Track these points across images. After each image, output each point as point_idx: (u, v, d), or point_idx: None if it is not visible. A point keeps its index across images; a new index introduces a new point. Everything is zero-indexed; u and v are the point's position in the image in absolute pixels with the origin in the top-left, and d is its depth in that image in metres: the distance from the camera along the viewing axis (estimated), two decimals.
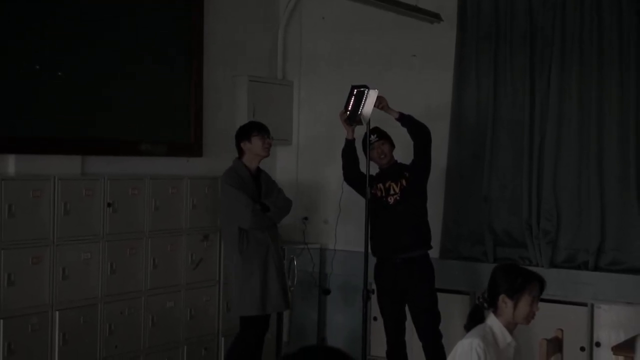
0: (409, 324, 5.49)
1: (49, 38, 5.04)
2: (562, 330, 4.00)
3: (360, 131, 5.37)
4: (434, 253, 5.92)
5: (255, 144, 5.41)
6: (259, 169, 5.51)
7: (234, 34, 6.47)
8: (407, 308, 5.47)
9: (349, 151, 5.42)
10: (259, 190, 5.44)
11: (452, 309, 5.85)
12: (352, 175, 5.43)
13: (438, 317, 5.38)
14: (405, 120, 5.35)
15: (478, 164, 6.12)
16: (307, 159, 6.92)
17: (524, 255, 5.96)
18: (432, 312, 5.34)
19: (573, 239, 5.84)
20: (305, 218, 6.82)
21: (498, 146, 6.07)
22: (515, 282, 3.31)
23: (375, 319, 6.15)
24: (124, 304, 5.16)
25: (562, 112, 5.81)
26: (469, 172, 6.17)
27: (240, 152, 5.45)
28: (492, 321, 3.33)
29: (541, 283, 3.36)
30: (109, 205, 5.05)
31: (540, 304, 5.67)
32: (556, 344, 3.92)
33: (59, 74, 5.08)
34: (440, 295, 5.59)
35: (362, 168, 5.33)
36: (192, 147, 6.08)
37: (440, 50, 6.28)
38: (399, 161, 5.55)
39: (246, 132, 5.47)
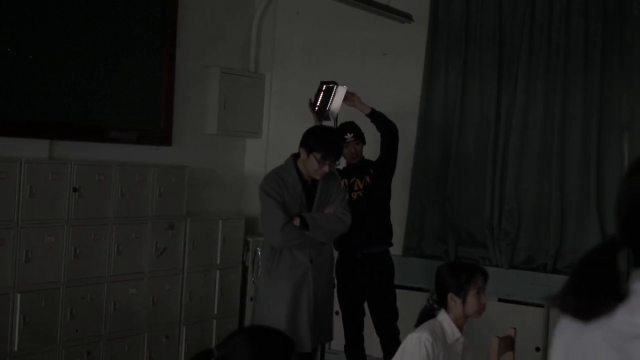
0: (368, 320, 5.57)
1: (19, 21, 5.06)
2: (515, 329, 4.09)
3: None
4: (396, 250, 6.01)
5: (310, 163, 4.67)
6: None
7: (207, 25, 6.50)
8: (366, 304, 5.56)
9: None
10: (309, 200, 4.74)
11: (412, 306, 5.85)
12: None
13: (396, 314, 5.46)
14: (375, 116, 5.43)
15: (444, 163, 6.21)
16: (277, 153, 6.93)
17: (485, 255, 6.06)
18: (390, 309, 5.43)
19: (533, 240, 5.95)
20: None
21: (464, 147, 6.17)
22: (460, 278, 3.40)
23: (337, 313, 6.22)
24: (87, 289, 5.17)
25: (527, 115, 5.92)
26: (434, 172, 6.26)
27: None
28: (442, 317, 3.42)
29: (484, 275, 3.46)
30: (75, 190, 5.07)
31: (498, 304, 5.80)
32: (509, 343, 4.01)
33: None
34: (401, 292, 5.68)
35: None
36: (162, 136, 6.11)
37: (411, 50, 6.37)
38: (365, 157, 5.63)
39: (314, 143, 4.66)
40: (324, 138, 4.71)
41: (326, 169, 4.65)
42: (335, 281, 5.62)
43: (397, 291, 5.61)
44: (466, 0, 6.11)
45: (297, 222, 4.63)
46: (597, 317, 1.49)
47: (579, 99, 5.74)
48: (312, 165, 4.65)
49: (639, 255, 1.52)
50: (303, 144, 4.70)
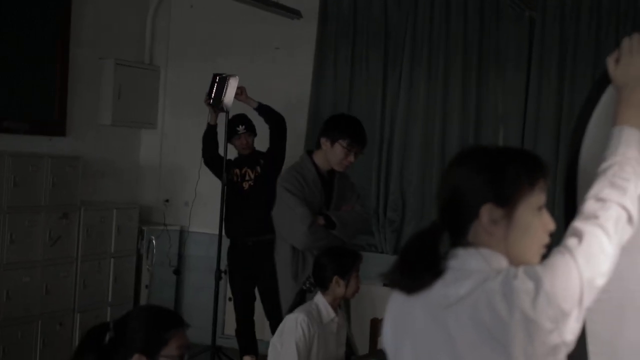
0: (258, 304, 5.79)
1: None
2: None
3: (222, 116, 5.63)
4: None
5: (335, 153, 4.33)
6: (333, 170, 4.46)
7: (102, 16, 6.57)
8: (256, 289, 5.77)
9: (209, 135, 5.69)
10: (328, 198, 4.42)
11: None
12: (210, 158, 5.71)
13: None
14: (263, 110, 5.63)
15: None
16: (171, 144, 7.11)
17: (371, 242, 6.34)
18: (278, 293, 5.63)
19: (416, 228, 6.25)
20: (167, 200, 7.02)
21: None
22: (345, 262, 3.65)
23: (230, 299, 6.41)
24: None
25: (410, 108, 6.21)
26: None
27: (317, 145, 4.43)
28: (319, 299, 3.66)
29: (361, 259, 3.72)
30: None
31: (381, 288, 6.07)
32: None
33: None
34: None
35: (222, 152, 5.61)
36: (56, 126, 6.18)
37: (301, 45, 6.58)
38: (257, 149, 5.83)
39: (339, 130, 4.34)
40: (348, 124, 4.44)
41: (352, 158, 4.37)
42: (227, 267, 5.83)
43: None
44: None
45: (321, 220, 4.28)
46: (418, 290, 1.75)
47: (457, 92, 6.07)
48: (336, 155, 4.33)
49: (455, 237, 1.79)
50: (325, 134, 4.36)
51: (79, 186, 5.94)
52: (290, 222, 4.25)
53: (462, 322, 1.69)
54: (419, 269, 1.74)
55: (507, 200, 1.75)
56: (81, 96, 6.39)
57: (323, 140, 4.36)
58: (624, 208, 1.78)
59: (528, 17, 5.87)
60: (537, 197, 1.78)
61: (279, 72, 6.63)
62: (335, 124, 4.40)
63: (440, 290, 1.74)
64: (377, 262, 5.42)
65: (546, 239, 1.80)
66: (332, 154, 4.33)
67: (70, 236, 5.91)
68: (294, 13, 6.16)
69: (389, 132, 6.29)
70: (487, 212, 1.74)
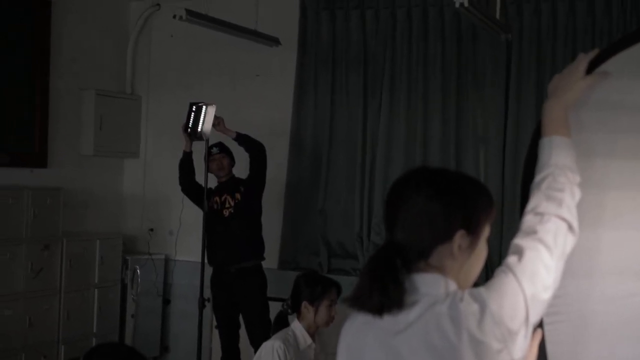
0: (243, 332, 5.77)
1: None
2: None
3: (199, 145, 5.64)
4: (273, 264, 6.24)
5: (321, 314, 3.74)
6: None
7: (82, 47, 6.60)
8: (241, 316, 5.76)
9: (185, 163, 5.69)
10: None
11: None
12: (187, 186, 5.72)
13: (269, 325, 5.66)
14: (242, 139, 5.65)
15: (315, 179, 6.48)
16: (154, 172, 7.11)
17: (355, 267, 6.33)
18: (263, 320, 5.63)
19: None
20: (151, 229, 7.01)
21: (334, 163, 6.44)
22: (316, 289, 3.65)
23: (217, 327, 6.39)
24: None
25: (390, 132, 6.23)
26: (306, 187, 6.52)
27: (298, 311, 3.80)
28: (295, 325, 3.66)
29: (338, 290, 3.70)
30: None
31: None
32: None
33: None
34: (276, 304, 5.87)
35: (200, 180, 5.61)
36: (37, 158, 6.18)
37: (281, 72, 6.61)
38: (236, 176, 5.84)
39: (321, 290, 3.76)
40: (322, 280, 3.90)
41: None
42: (211, 295, 5.81)
43: (273, 303, 5.81)
44: (332, 23, 6.40)
45: None
46: (390, 310, 1.73)
47: (437, 116, 6.09)
48: (321, 316, 3.72)
49: (413, 258, 1.78)
50: (307, 296, 3.77)
51: (60, 217, 5.93)
52: None
53: (413, 348, 1.69)
54: (389, 287, 1.72)
55: (475, 230, 1.78)
56: (62, 127, 6.40)
57: (304, 306, 3.79)
58: (562, 219, 1.80)
59: (505, 40, 5.91)
60: (488, 229, 1.83)
61: (259, 99, 6.66)
62: (311, 283, 3.85)
63: (390, 317, 1.74)
64: None
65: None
66: (318, 317, 3.78)
67: (52, 268, 5.90)
68: (272, 40, 6.19)
69: (370, 156, 6.31)
70: (459, 238, 1.76)
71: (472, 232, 1.77)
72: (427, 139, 6.15)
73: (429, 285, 1.74)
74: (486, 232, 1.81)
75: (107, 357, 2.57)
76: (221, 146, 5.75)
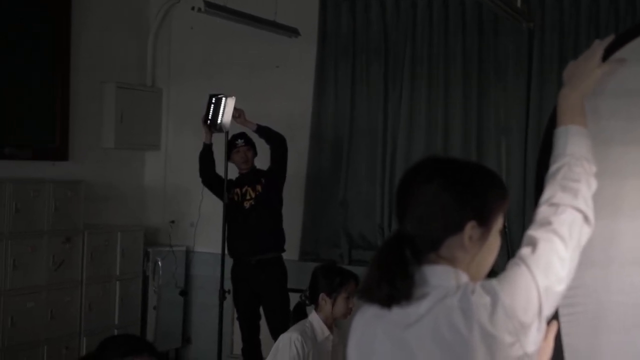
0: (264, 323, 5.77)
1: None
2: None
3: (220, 137, 5.64)
4: (293, 255, 6.23)
5: (339, 306, 3.70)
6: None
7: (103, 40, 6.60)
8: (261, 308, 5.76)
9: (205, 154, 5.69)
10: None
11: None
12: (208, 178, 5.71)
13: (289, 317, 5.65)
14: (262, 131, 5.64)
15: (335, 170, 6.45)
16: (175, 164, 7.11)
17: None
18: (283, 312, 5.61)
19: None
20: (172, 221, 7.02)
21: (354, 154, 6.42)
22: (334, 281, 3.62)
23: (238, 318, 6.39)
24: None
25: (411, 122, 6.20)
26: (327, 179, 6.50)
27: (315, 303, 3.77)
28: (313, 317, 3.64)
29: (356, 282, 3.67)
30: None
31: None
32: None
33: None
34: (297, 295, 5.87)
35: (220, 171, 5.61)
36: (58, 151, 6.20)
37: (301, 63, 6.59)
38: (257, 167, 5.83)
39: (339, 282, 3.70)
40: (339, 271, 3.83)
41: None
42: (231, 287, 5.81)
43: (293, 294, 5.80)
44: (352, 14, 6.36)
45: None
46: (398, 302, 1.70)
47: (459, 105, 6.05)
48: (339, 308, 3.69)
49: (423, 249, 1.75)
50: (323, 287, 3.74)
51: (81, 210, 5.95)
52: None
53: (423, 341, 1.67)
54: (398, 278, 1.70)
55: (486, 222, 1.75)
56: (83, 120, 6.42)
57: (322, 297, 3.74)
58: (578, 210, 1.76)
59: (526, 29, 5.84)
60: (501, 220, 1.79)
61: (279, 90, 6.64)
62: (327, 274, 3.83)
63: (400, 309, 1.71)
64: None
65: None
66: (336, 309, 3.75)
67: (74, 260, 5.91)
68: (291, 31, 6.17)
69: (391, 146, 6.27)
70: (470, 230, 1.73)
71: (484, 223, 1.74)
72: (448, 130, 6.11)
73: (440, 277, 1.71)
74: (499, 223, 1.78)
75: (120, 348, 2.56)
76: (246, 138, 5.74)
